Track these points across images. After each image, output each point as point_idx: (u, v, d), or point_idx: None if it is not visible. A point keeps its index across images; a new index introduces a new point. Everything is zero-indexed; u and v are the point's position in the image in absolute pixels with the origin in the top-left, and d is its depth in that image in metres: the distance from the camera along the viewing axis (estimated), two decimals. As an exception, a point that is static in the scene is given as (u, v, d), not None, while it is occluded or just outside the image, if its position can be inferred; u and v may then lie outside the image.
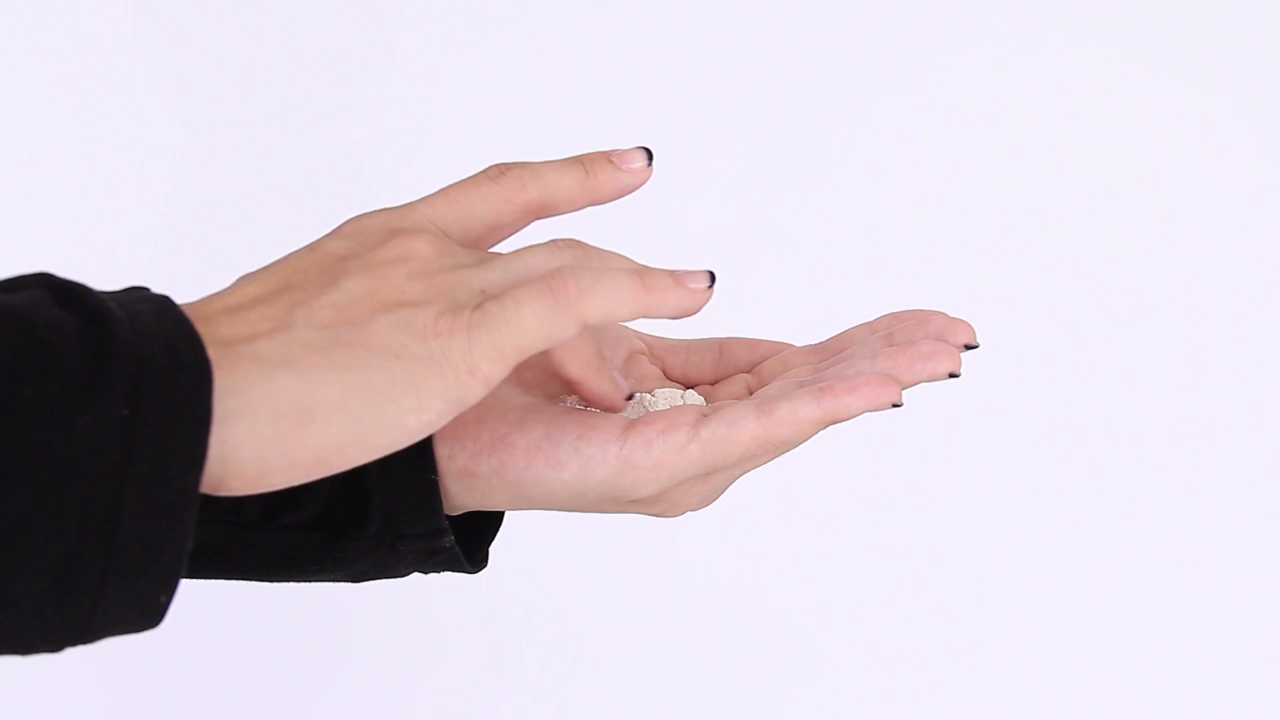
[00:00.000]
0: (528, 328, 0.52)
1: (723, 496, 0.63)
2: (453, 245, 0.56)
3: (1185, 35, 1.48)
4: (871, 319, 0.64)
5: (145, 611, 0.48)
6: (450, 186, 0.58)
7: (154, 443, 0.46)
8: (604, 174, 0.59)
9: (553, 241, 0.57)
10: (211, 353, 0.48)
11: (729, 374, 0.66)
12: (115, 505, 0.45)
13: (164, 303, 0.50)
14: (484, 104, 1.47)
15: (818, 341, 0.65)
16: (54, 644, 0.47)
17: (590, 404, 0.61)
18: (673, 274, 0.56)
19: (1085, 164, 1.48)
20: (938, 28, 1.48)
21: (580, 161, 0.59)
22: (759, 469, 0.62)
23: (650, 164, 0.59)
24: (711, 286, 0.56)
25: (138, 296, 0.50)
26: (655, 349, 0.67)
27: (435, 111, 1.45)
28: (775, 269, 1.42)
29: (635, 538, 1.39)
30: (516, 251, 0.56)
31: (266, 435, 0.48)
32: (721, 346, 0.67)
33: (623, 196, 0.59)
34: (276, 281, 0.53)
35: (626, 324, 0.66)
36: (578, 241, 0.57)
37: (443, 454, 0.60)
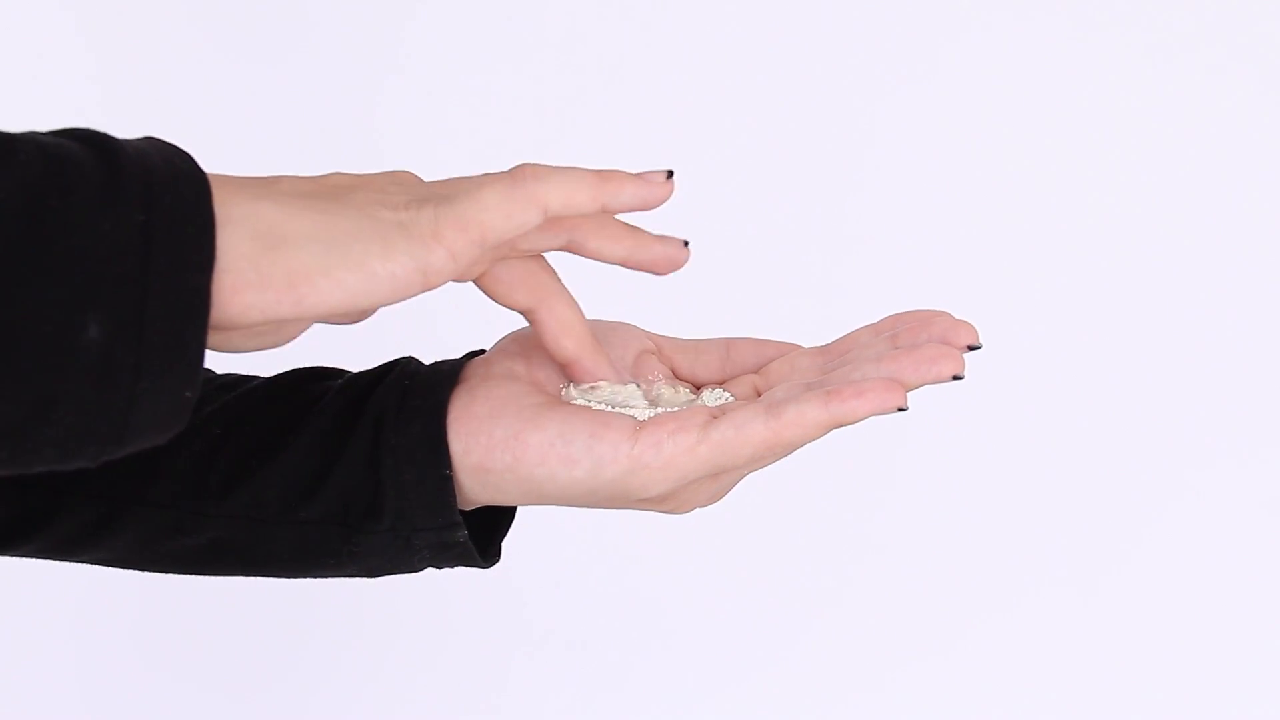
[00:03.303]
0: (489, 203, 0.55)
1: (731, 493, 0.65)
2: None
3: (1187, 36, 1.48)
4: (875, 320, 0.65)
5: (174, 408, 0.51)
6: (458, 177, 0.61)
7: (168, 244, 0.49)
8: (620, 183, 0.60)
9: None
10: (205, 172, 0.52)
11: (736, 374, 0.67)
12: (140, 305, 0.49)
13: (149, 137, 0.53)
14: (482, 110, 1.48)
15: (823, 343, 0.66)
16: (97, 448, 0.49)
17: (578, 381, 0.63)
18: (630, 172, 0.59)
19: (1090, 164, 1.49)
20: (943, 32, 1.49)
21: (592, 172, 0.60)
22: (767, 468, 0.63)
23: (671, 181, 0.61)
24: (670, 180, 0.59)
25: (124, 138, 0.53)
26: (664, 349, 0.68)
27: (439, 122, 1.46)
28: (781, 271, 1.42)
29: (646, 533, 1.40)
30: None
31: (244, 249, 0.52)
32: (729, 347, 0.68)
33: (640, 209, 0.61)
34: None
35: (639, 326, 0.67)
36: (541, 162, 0.59)
37: (457, 449, 0.62)
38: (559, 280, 0.62)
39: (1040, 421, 1.51)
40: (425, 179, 0.60)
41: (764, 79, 1.49)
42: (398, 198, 0.55)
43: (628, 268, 0.62)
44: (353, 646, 1.51)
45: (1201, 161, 1.49)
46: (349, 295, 0.53)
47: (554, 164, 0.58)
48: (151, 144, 0.51)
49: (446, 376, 0.64)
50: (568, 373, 0.63)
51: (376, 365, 0.68)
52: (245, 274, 0.51)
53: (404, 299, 0.55)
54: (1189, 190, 1.49)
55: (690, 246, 0.62)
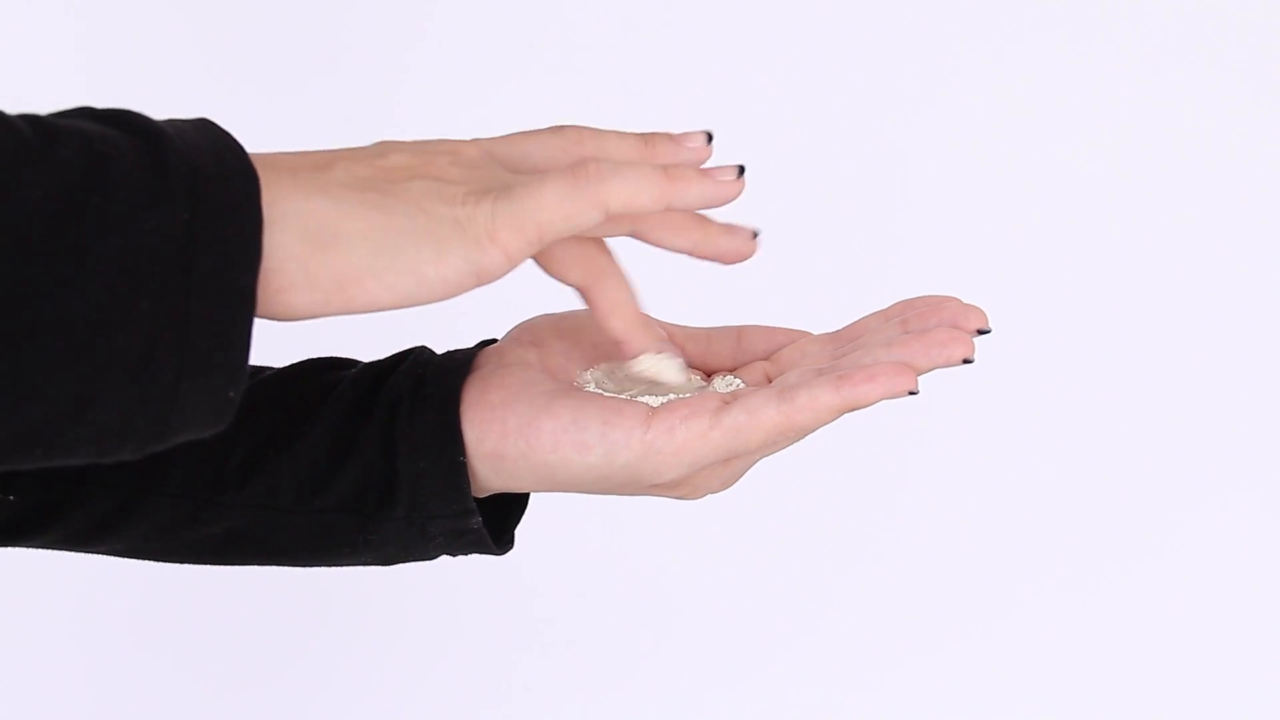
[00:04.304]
0: (548, 204, 0.54)
1: (744, 484, 0.65)
2: (497, 163, 0.58)
3: (1191, 35, 1.48)
4: (885, 306, 0.66)
5: (216, 409, 0.50)
6: (512, 132, 0.60)
7: (213, 244, 0.48)
8: (662, 147, 0.60)
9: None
10: (256, 166, 0.50)
11: (747, 361, 0.67)
12: (184, 304, 0.48)
13: (203, 121, 0.52)
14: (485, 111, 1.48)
15: (834, 330, 0.67)
16: (137, 445, 0.49)
17: (623, 358, 0.63)
18: (697, 168, 0.58)
19: (1105, 163, 1.49)
20: (953, 25, 1.49)
21: (642, 135, 0.60)
22: (780, 457, 0.63)
23: (710, 144, 0.61)
24: (741, 177, 0.58)
25: (176, 119, 0.52)
26: (676, 336, 0.68)
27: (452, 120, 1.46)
28: (791, 259, 1.43)
29: (656, 523, 1.40)
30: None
31: (293, 250, 0.51)
32: (740, 334, 0.68)
33: None
34: (327, 150, 0.56)
35: (651, 314, 0.67)
36: (604, 157, 0.58)
37: (472, 437, 0.62)
38: (614, 259, 0.61)
39: (1048, 422, 1.51)
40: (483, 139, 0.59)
41: (779, 70, 1.49)
42: (455, 190, 0.54)
43: (693, 257, 0.60)
44: (361, 639, 1.51)
45: (1220, 167, 1.48)
46: (398, 297, 0.52)
47: (616, 155, 0.57)
48: (202, 133, 0.50)
49: (460, 365, 0.64)
50: (617, 350, 0.63)
51: (389, 354, 0.68)
52: (293, 274, 0.51)
53: (454, 297, 0.54)
54: (1204, 193, 1.49)
55: (759, 238, 0.60)
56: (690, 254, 0.60)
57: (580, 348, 0.66)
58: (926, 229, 1.50)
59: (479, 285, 0.54)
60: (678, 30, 1.49)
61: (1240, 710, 1.51)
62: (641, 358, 0.63)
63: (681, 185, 0.57)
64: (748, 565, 1.52)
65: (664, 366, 0.63)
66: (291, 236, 0.51)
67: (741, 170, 0.58)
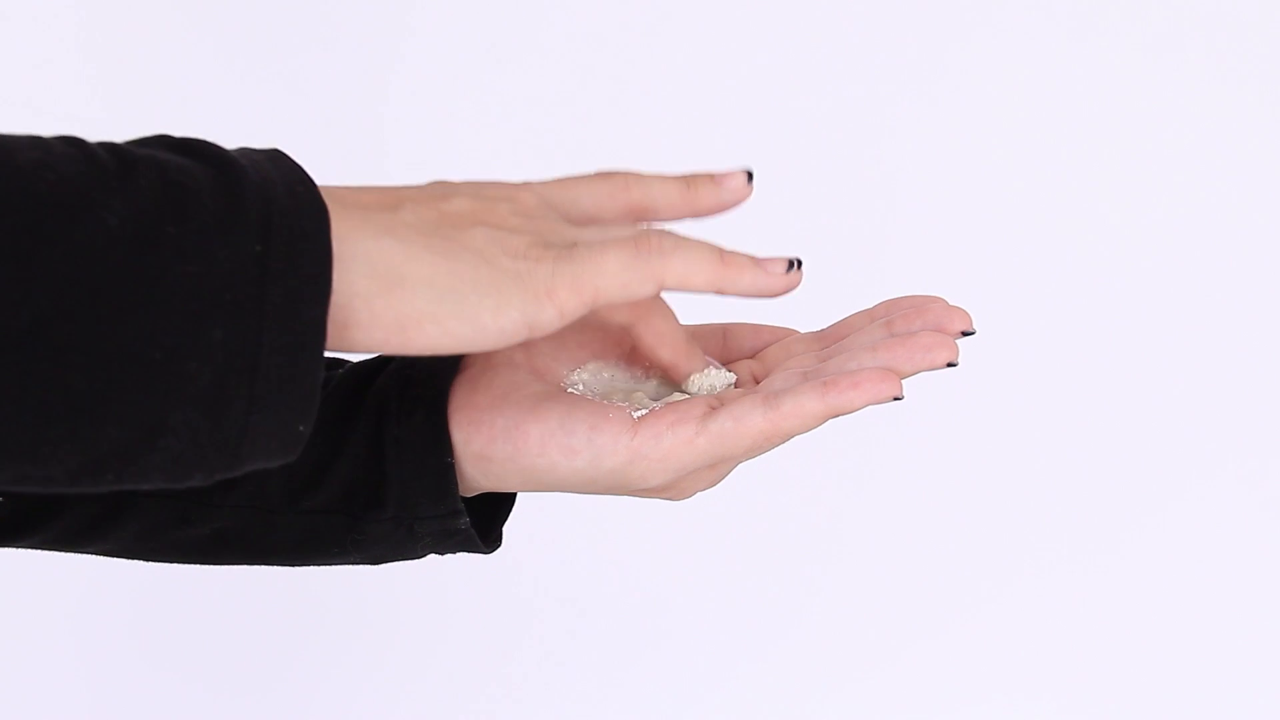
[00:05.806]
0: (608, 271, 0.55)
1: (738, 482, 0.65)
2: (554, 211, 0.59)
3: (1190, 34, 1.48)
4: (871, 305, 0.66)
5: (286, 441, 0.51)
6: (560, 177, 0.61)
7: (284, 276, 0.49)
8: (704, 189, 0.61)
9: (642, 228, 0.60)
10: (327, 201, 0.51)
11: (733, 359, 0.68)
12: (256, 335, 0.49)
13: (276, 153, 0.53)
14: (495, 111, 1.47)
15: (819, 329, 0.67)
16: (207, 473, 0.50)
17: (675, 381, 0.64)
18: (753, 257, 0.59)
19: (1094, 160, 1.49)
20: (942, 23, 1.49)
21: (684, 177, 0.62)
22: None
23: (750, 183, 0.62)
24: (791, 272, 0.59)
25: (250, 149, 0.53)
26: (663, 334, 0.68)
27: (447, 122, 1.46)
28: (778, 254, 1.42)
29: (646, 516, 1.40)
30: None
31: (359, 288, 0.52)
32: (726, 332, 0.68)
33: (722, 212, 0.62)
34: (391, 188, 0.57)
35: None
36: (667, 231, 0.59)
37: (459, 439, 0.63)
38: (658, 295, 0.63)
39: (1042, 417, 1.51)
40: (542, 187, 0.60)
41: (769, 68, 1.48)
42: (518, 241, 0.55)
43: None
44: (353, 637, 1.51)
45: (1208, 162, 1.48)
46: (455, 343, 0.53)
47: (679, 232, 0.58)
48: (276, 165, 0.51)
49: (447, 366, 0.65)
50: (665, 375, 0.65)
51: (376, 354, 0.68)
52: (358, 312, 0.52)
53: (504, 346, 0.55)
54: (1196, 190, 1.49)
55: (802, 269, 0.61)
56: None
57: (567, 348, 0.66)
58: (912, 225, 1.50)
59: (530, 337, 0.55)
60: (673, 30, 1.49)
61: (1222, 704, 1.52)
62: (691, 378, 0.64)
63: (735, 272, 0.58)
64: (736, 561, 1.52)
65: (714, 380, 0.64)
66: (359, 275, 0.52)
67: (792, 264, 0.59)
